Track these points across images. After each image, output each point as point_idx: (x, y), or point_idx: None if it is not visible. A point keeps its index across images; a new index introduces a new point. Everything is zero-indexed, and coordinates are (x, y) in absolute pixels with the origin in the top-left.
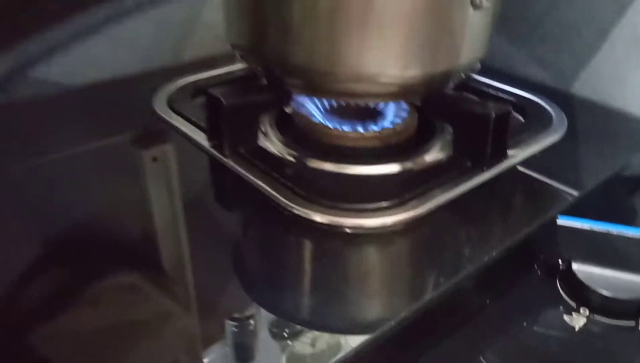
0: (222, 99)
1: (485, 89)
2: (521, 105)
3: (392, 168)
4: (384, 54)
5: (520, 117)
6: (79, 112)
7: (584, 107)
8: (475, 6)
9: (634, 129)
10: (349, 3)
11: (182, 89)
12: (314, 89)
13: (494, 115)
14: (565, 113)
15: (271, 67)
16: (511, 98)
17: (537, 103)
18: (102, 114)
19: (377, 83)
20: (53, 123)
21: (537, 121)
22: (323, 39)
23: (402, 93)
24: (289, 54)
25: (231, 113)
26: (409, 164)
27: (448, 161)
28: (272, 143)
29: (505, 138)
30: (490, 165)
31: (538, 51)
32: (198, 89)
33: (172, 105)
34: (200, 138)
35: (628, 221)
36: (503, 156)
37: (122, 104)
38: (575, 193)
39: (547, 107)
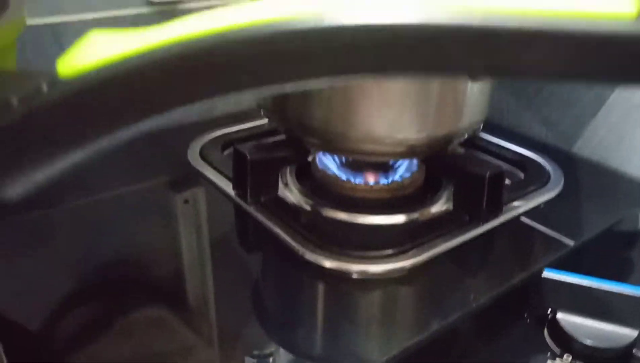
0: (247, 154)
1: (489, 146)
2: (522, 162)
3: (398, 219)
4: (392, 119)
5: (521, 174)
6: (122, 158)
7: (583, 166)
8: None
9: (630, 187)
10: None
11: (214, 141)
12: (330, 148)
13: (488, 175)
14: (564, 171)
15: (291, 127)
16: (513, 156)
17: (536, 161)
18: (141, 161)
19: (385, 144)
20: (98, 168)
21: (536, 177)
22: (338, 104)
23: (408, 152)
24: (307, 117)
25: (255, 167)
26: (414, 215)
27: (449, 214)
28: (292, 192)
29: (500, 195)
30: (485, 220)
31: (543, 112)
32: (227, 141)
33: (203, 155)
34: (227, 186)
35: (624, 274)
36: (498, 211)
37: (159, 153)
38: (570, 243)
39: (545, 165)
